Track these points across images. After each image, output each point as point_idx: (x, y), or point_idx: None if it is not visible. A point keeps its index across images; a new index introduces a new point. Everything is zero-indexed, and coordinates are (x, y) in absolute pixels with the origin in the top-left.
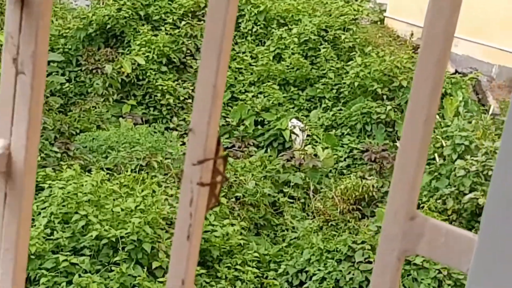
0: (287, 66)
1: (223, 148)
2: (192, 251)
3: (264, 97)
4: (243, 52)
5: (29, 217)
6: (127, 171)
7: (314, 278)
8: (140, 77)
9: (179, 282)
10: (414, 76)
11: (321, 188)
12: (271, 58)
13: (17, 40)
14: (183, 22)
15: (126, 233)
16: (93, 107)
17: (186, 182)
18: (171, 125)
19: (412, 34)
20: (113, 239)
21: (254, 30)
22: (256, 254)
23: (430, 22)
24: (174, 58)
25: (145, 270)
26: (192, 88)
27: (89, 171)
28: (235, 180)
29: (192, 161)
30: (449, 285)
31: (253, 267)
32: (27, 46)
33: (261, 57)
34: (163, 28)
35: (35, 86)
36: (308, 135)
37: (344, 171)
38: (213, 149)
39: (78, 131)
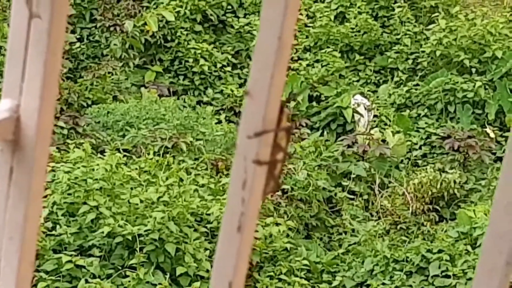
0: (352, 28)
1: (288, 117)
2: (244, 247)
3: (322, 66)
4: (298, 10)
5: (40, 198)
6: (148, 154)
7: None
8: (168, 38)
9: (225, 285)
10: None
11: (390, 182)
12: (332, 18)
13: None
14: None
15: (145, 231)
16: (109, 73)
17: (239, 159)
18: (205, 99)
19: None
20: (129, 237)
21: None
22: (305, 262)
23: None
24: (211, 15)
25: (167, 276)
26: (232, 53)
27: (102, 152)
28: (280, 174)
29: (248, 132)
30: None
31: (301, 277)
32: None
33: (320, 17)
34: None
35: (53, 33)
36: (375, 116)
37: (419, 161)
38: (275, 118)
39: (89, 102)
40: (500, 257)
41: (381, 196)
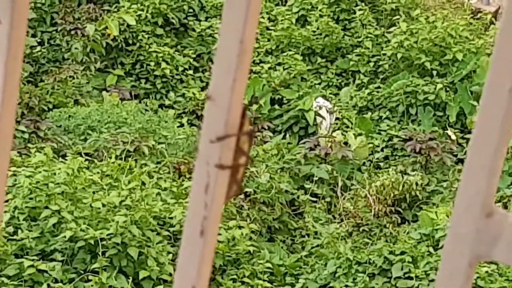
0: (314, 31)
1: (250, 121)
2: (207, 251)
3: (284, 69)
4: (259, 13)
5: (0, 204)
6: (110, 158)
7: None
8: (130, 41)
9: None
10: (498, 32)
11: (352, 184)
12: (293, 21)
13: None
14: None
15: (107, 235)
16: (70, 77)
17: (201, 163)
18: (167, 102)
19: None
20: (91, 242)
21: None
22: (268, 265)
23: None
24: (173, 18)
25: (130, 280)
26: (194, 56)
27: (64, 156)
28: (243, 178)
29: (210, 137)
30: None
31: (264, 280)
32: None
33: (281, 20)
34: None
35: (13, 36)
36: (337, 118)
37: (381, 164)
38: (237, 122)
39: (51, 106)
40: (462, 259)
41: (344, 199)
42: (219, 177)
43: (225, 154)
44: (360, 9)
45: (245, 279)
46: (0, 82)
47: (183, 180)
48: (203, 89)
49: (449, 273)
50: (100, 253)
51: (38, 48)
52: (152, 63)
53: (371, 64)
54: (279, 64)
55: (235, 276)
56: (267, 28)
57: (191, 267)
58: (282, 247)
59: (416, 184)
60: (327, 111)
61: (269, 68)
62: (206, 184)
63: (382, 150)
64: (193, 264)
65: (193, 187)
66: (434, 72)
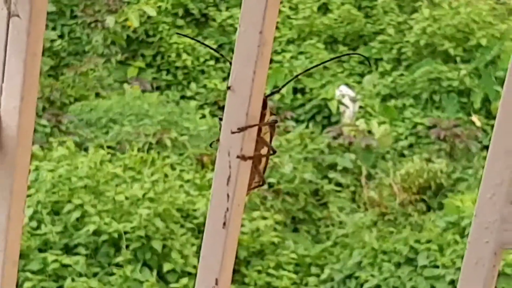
0: (335, 19)
1: (271, 112)
2: (230, 242)
3: (306, 58)
4: (279, 3)
5: (22, 198)
6: (132, 150)
7: (366, 285)
8: (150, 33)
9: (212, 281)
10: None
11: (376, 173)
12: (315, 9)
13: None
14: None
15: (131, 228)
16: (91, 69)
17: (223, 155)
18: (189, 93)
19: None
20: (115, 235)
21: None
22: (293, 255)
23: None
24: (193, 9)
25: (154, 273)
26: (215, 47)
27: (86, 149)
28: (265, 168)
29: (231, 128)
30: None
31: (289, 271)
32: None
33: (303, 8)
34: None
35: (32, 32)
36: (360, 107)
37: (405, 152)
38: (258, 113)
39: (72, 99)
40: (487, 246)
41: (368, 188)
42: (241, 168)
43: (246, 144)
44: None
45: (270, 270)
46: (20, 78)
47: (206, 172)
48: (224, 79)
49: (474, 261)
50: (124, 247)
51: (59, 41)
52: (173, 55)
53: (394, 51)
54: (301, 53)
55: (259, 268)
56: (288, 17)
57: (214, 259)
58: (306, 238)
59: (441, 171)
60: (350, 100)
61: (291, 57)
62: (228, 176)
63: (406, 138)
64: (216, 255)
65: (215, 179)
66: (458, 58)
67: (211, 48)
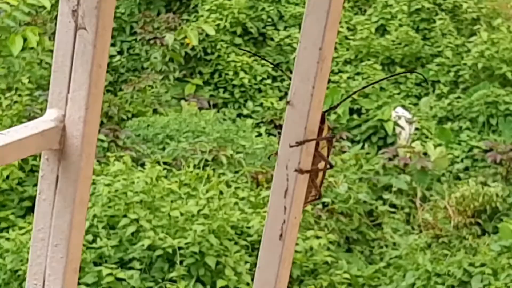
0: (393, 41)
1: (329, 128)
2: (286, 254)
3: (363, 79)
4: (339, 22)
5: (85, 206)
6: (188, 167)
7: None
8: (209, 51)
9: None
10: None
11: (431, 195)
12: (373, 30)
13: None
14: None
15: (185, 243)
16: (149, 86)
17: (281, 168)
18: (245, 111)
19: None
20: (169, 250)
21: None
22: (346, 275)
23: None
24: (251, 28)
25: None
26: (272, 66)
27: (142, 165)
28: (322, 182)
29: (290, 142)
30: None
31: None
32: None
33: (361, 29)
34: None
35: (98, 44)
36: (416, 129)
37: (461, 175)
38: (316, 128)
39: (130, 115)
40: None
41: (423, 210)
42: (298, 181)
43: (304, 158)
44: (440, 18)
45: None
46: (85, 89)
47: (260, 190)
48: (281, 98)
49: None
50: (178, 262)
51: (118, 57)
52: (231, 73)
53: (451, 74)
54: (358, 73)
55: (312, 287)
56: (346, 38)
57: (271, 270)
58: (360, 258)
59: (497, 195)
60: (406, 121)
61: (348, 77)
62: (285, 189)
63: (462, 160)
64: (272, 267)
65: (272, 191)
66: None
67: (271, 63)
